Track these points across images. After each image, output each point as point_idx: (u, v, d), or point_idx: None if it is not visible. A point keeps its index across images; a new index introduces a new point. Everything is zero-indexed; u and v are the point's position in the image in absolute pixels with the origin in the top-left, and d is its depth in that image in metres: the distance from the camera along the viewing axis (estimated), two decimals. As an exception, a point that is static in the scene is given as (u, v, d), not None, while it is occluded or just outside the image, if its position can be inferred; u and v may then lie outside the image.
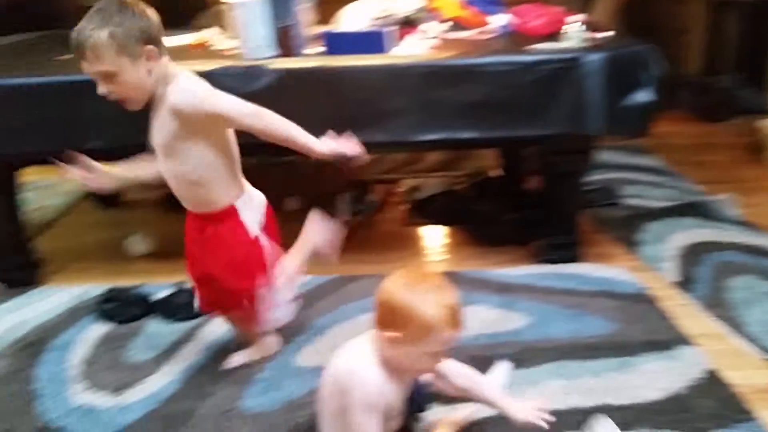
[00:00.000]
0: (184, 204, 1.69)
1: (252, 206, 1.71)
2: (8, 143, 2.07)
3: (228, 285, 1.69)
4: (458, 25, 2.53)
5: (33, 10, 4.81)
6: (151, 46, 1.47)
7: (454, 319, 1.27)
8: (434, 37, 2.42)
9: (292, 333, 1.99)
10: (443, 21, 2.53)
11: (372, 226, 2.80)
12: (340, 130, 2.05)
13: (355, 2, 2.50)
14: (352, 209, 2.85)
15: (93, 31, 1.41)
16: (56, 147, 2.04)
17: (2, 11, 4.77)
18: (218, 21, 2.78)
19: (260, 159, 3.19)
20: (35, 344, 2.00)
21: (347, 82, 2.04)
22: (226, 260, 1.67)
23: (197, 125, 1.52)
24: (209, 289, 1.76)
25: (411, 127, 2.08)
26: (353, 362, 1.35)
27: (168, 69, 1.53)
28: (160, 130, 1.55)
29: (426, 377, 1.49)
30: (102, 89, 1.48)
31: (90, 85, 1.98)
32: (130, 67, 1.45)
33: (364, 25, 2.35)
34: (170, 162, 1.58)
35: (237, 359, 1.87)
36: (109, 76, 1.45)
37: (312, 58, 2.16)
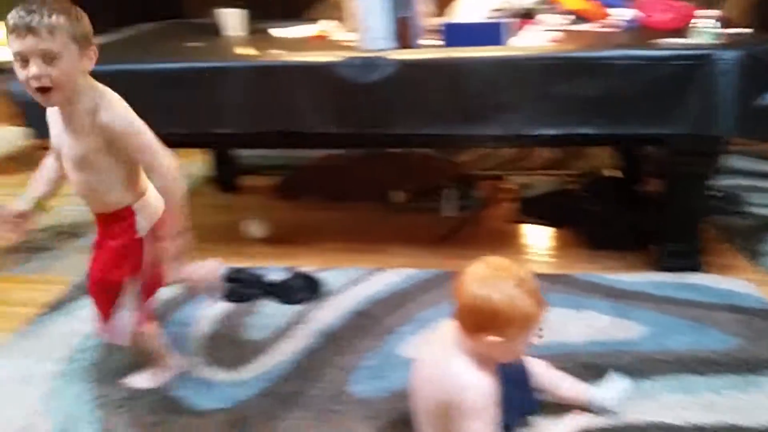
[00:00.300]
0: (88, 206, 1.65)
1: (146, 213, 1.64)
2: (146, 122, 2.20)
3: (101, 274, 1.67)
4: (579, 17, 2.46)
5: (155, 1, 5.11)
6: (94, 47, 1.48)
7: (541, 300, 1.30)
8: (554, 30, 2.36)
9: (396, 324, 2.03)
10: (564, 13, 2.47)
11: (477, 223, 2.78)
12: (454, 122, 2.07)
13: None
14: (458, 204, 2.84)
15: (54, 12, 1.38)
16: (188, 130, 2.19)
17: (127, 2, 5.10)
18: (333, 13, 2.86)
19: (368, 150, 3.27)
20: (161, 316, 2.13)
21: (464, 73, 2.03)
22: (108, 251, 1.65)
23: (119, 147, 1.52)
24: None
25: (527, 121, 2.04)
26: (454, 366, 1.34)
27: (92, 80, 1.53)
28: (79, 142, 1.51)
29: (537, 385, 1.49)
30: (34, 69, 1.37)
31: (222, 71, 2.11)
32: (75, 55, 1.42)
33: (482, 17, 2.33)
34: (81, 173, 1.55)
35: (137, 380, 1.84)
36: (51, 58, 1.38)
37: (430, 49, 2.17)
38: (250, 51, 2.25)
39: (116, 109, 1.51)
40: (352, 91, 2.05)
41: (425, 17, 2.36)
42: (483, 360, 1.34)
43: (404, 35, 2.16)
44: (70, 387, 1.81)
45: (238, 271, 2.31)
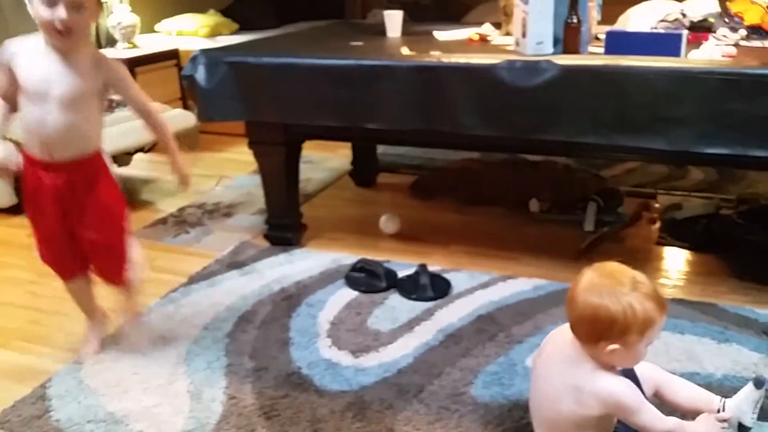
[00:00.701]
0: (57, 153, 1.69)
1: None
2: (304, 114, 2.32)
3: (111, 231, 1.81)
4: (761, 32, 2.26)
5: (326, 1, 5.37)
6: (100, 4, 1.72)
7: (662, 301, 1.26)
8: (732, 44, 2.19)
9: (524, 333, 1.97)
10: (742, 27, 2.28)
11: (619, 240, 2.64)
12: (617, 133, 1.97)
13: (643, 3, 2.37)
14: (600, 219, 2.72)
15: None
16: (342, 122, 2.27)
17: (300, 1, 5.40)
18: (491, 17, 2.84)
19: (508, 156, 3.22)
20: (293, 297, 2.23)
21: (633, 83, 1.92)
22: (108, 194, 1.80)
23: (103, 84, 1.71)
24: (99, 247, 1.82)
25: (695, 138, 1.89)
26: (589, 375, 1.30)
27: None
28: (77, 83, 1.65)
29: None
30: (62, 14, 1.55)
31: (380, 69, 2.16)
32: (94, 9, 1.66)
33: (649, 27, 2.21)
34: (69, 113, 1.66)
35: (91, 347, 1.95)
36: (77, 7, 1.57)
37: (598, 56, 2.09)
38: (411, 51, 2.29)
39: (115, 59, 1.76)
40: (512, 95, 2.02)
41: (593, 24, 2.29)
42: (605, 367, 1.31)
43: (570, 41, 2.10)
44: (205, 353, 1.93)
45: (370, 263, 2.35)
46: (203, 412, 1.68)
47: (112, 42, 4.25)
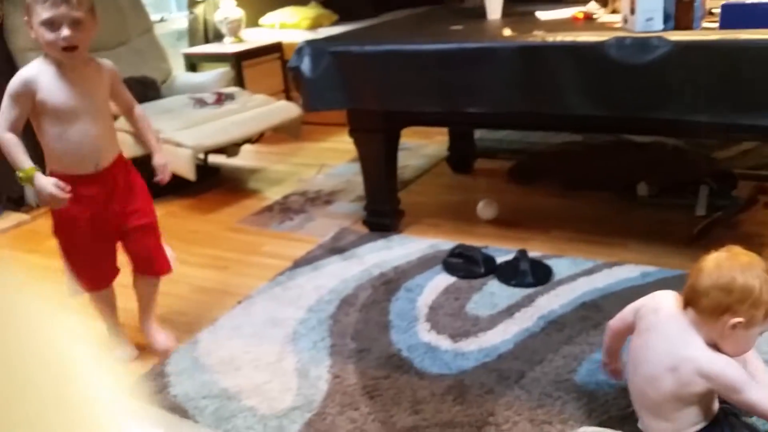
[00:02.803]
0: (102, 161, 1.78)
1: None
2: (406, 101, 2.34)
3: (153, 214, 1.94)
4: None
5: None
6: (97, 18, 1.74)
7: None
8: None
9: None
10: None
11: (732, 226, 2.48)
12: (733, 111, 1.87)
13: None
14: (713, 203, 2.57)
15: None
16: (444, 107, 2.28)
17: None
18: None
19: (616, 137, 3.10)
20: (392, 282, 2.28)
21: (752, 58, 1.80)
22: (141, 191, 1.91)
23: (114, 92, 1.84)
24: (145, 238, 1.92)
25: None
26: (699, 352, 1.28)
27: None
28: (96, 95, 1.76)
29: None
30: (66, 32, 1.63)
31: (482, 52, 2.15)
32: (92, 23, 1.71)
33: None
34: (99, 123, 1.76)
35: (128, 350, 2.00)
36: (78, 24, 1.64)
37: (713, 31, 1.98)
38: (514, 32, 2.26)
39: (110, 62, 1.84)
40: (622, 73, 1.95)
41: None
42: (713, 346, 1.29)
43: (683, 17, 2.00)
44: (310, 333, 2.01)
45: (468, 248, 2.35)
46: (310, 390, 1.76)
47: (219, 37, 4.46)
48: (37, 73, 1.70)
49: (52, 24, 1.62)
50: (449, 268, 2.31)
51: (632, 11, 2.07)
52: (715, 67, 1.85)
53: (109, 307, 1.99)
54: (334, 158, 3.72)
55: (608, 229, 2.53)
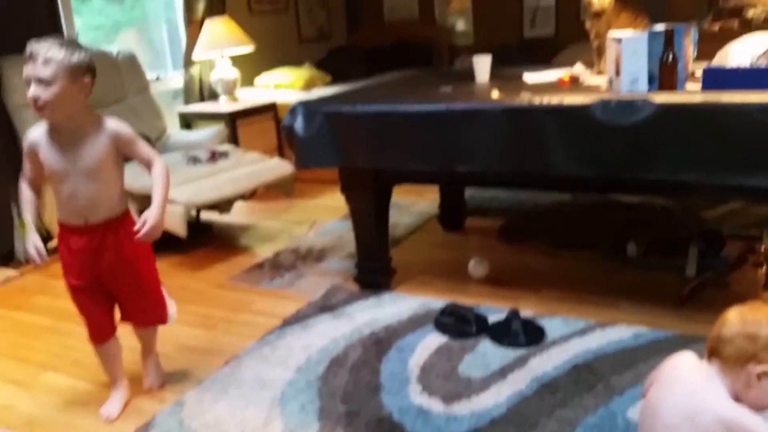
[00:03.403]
0: (91, 217, 1.81)
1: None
2: (397, 160, 2.38)
3: (149, 277, 1.97)
4: None
5: (414, 50, 5.53)
6: (88, 80, 1.73)
7: None
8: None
9: (625, 384, 1.88)
10: None
11: (723, 286, 2.48)
12: (718, 171, 1.90)
13: (742, 38, 2.29)
14: (702, 264, 2.58)
15: (53, 46, 1.66)
16: (433, 167, 2.32)
17: (390, 51, 5.59)
18: (580, 58, 2.82)
19: (605, 197, 3.14)
20: (383, 341, 2.25)
21: (734, 119, 1.85)
22: (146, 253, 1.94)
23: (125, 151, 1.82)
24: (132, 295, 1.95)
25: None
26: (722, 403, 1.26)
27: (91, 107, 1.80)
28: (92, 154, 1.76)
29: None
30: (31, 91, 1.66)
31: (471, 113, 2.20)
32: (67, 85, 1.67)
33: (749, 62, 2.13)
34: (94, 183, 1.78)
35: (113, 407, 1.98)
36: (44, 84, 1.65)
37: (696, 93, 2.03)
38: (502, 94, 2.31)
39: (117, 122, 1.82)
40: (608, 134, 1.99)
41: (689, 62, 2.23)
42: (734, 398, 1.26)
43: (667, 79, 2.06)
44: (299, 395, 1.97)
45: (459, 307, 2.34)
46: (297, 455, 1.71)
47: (214, 96, 4.54)
48: (41, 133, 1.78)
49: (27, 83, 1.67)
50: (441, 328, 2.29)
51: (617, 73, 2.13)
52: (699, 128, 1.90)
53: (109, 359, 2.01)
54: (326, 215, 3.73)
55: (599, 289, 2.52)
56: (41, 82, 1.65)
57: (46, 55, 1.64)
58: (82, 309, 1.93)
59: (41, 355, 2.39)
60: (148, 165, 1.89)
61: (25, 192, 1.83)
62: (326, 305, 2.56)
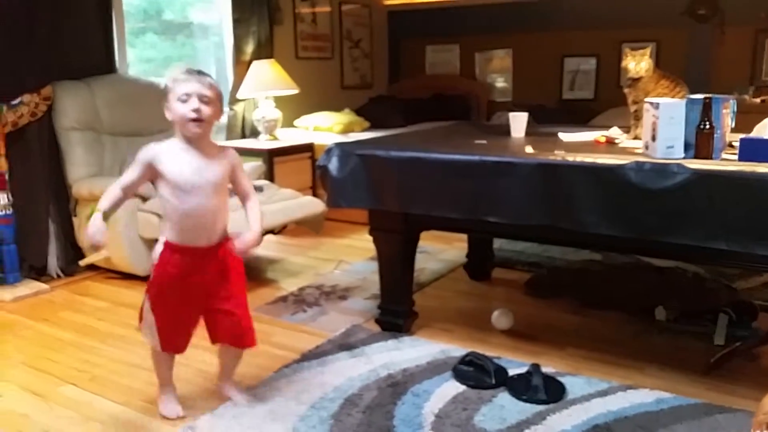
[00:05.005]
0: (204, 239, 1.92)
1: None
2: (427, 206, 2.40)
3: (245, 299, 2.02)
4: None
5: (452, 103, 5.63)
6: (222, 108, 1.95)
7: None
8: None
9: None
10: None
11: (752, 357, 2.41)
12: (751, 241, 1.88)
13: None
14: (732, 333, 2.51)
15: (209, 75, 1.91)
16: (463, 215, 2.33)
17: (428, 103, 5.70)
18: (617, 122, 2.84)
19: (636, 260, 3.10)
20: (399, 385, 2.22)
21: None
22: (242, 276, 2.02)
23: (231, 170, 1.97)
24: (230, 318, 1.99)
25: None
26: None
27: None
28: (217, 170, 1.91)
29: None
30: (195, 104, 1.83)
31: (503, 165, 2.22)
32: (217, 108, 1.89)
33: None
34: (215, 198, 1.91)
35: (176, 406, 2.08)
36: (205, 101, 1.84)
37: (731, 162, 2.03)
38: (536, 149, 2.34)
39: (231, 148, 2.02)
40: (640, 196, 1.99)
41: (727, 131, 2.24)
42: None
43: (703, 146, 2.07)
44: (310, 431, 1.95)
45: (480, 357, 2.31)
46: (303, 490, 1.68)
47: (255, 133, 4.66)
48: (164, 148, 1.89)
49: (186, 98, 1.83)
50: (459, 376, 2.26)
51: (653, 138, 2.14)
52: (733, 197, 1.88)
53: (168, 363, 2.09)
54: (352, 255, 3.75)
55: (624, 351, 2.47)
56: (203, 99, 1.84)
57: (208, 80, 1.87)
58: (171, 320, 1.97)
59: (62, 368, 2.42)
60: (245, 196, 2.02)
61: (115, 190, 1.90)
62: (345, 343, 2.55)
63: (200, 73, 1.88)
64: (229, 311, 1.99)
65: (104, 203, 1.88)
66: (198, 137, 1.87)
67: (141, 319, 2.02)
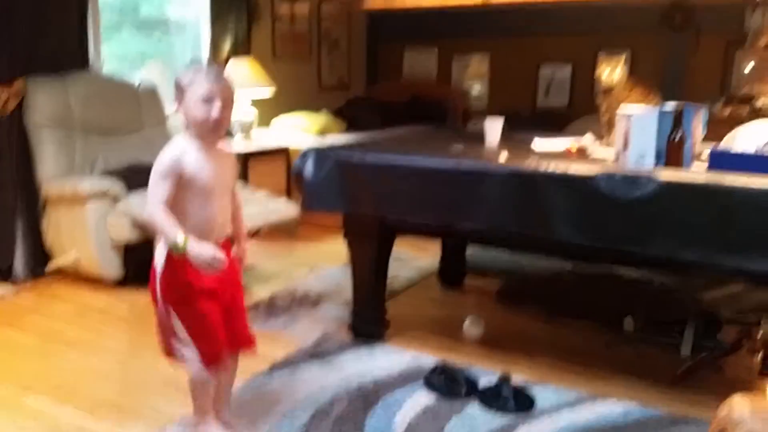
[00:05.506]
0: (217, 234, 1.83)
1: None
2: (402, 210, 2.41)
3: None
4: None
5: (429, 107, 5.64)
6: None
7: None
8: None
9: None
10: None
11: (718, 369, 2.46)
12: (718, 252, 1.91)
13: (750, 123, 2.34)
14: (697, 345, 2.56)
15: (223, 71, 1.84)
16: (438, 220, 2.34)
17: (405, 106, 5.70)
18: (590, 128, 2.87)
19: (605, 270, 3.14)
20: (371, 395, 2.22)
21: (738, 202, 1.87)
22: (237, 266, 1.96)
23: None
24: (243, 315, 1.96)
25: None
26: None
27: None
28: (228, 170, 1.88)
29: None
30: (218, 105, 1.73)
31: (478, 172, 2.22)
32: (233, 107, 1.81)
33: (755, 149, 2.16)
34: (225, 198, 1.87)
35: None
36: (229, 104, 1.77)
37: (701, 173, 2.06)
38: (509, 157, 2.35)
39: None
40: (610, 206, 2.02)
41: (697, 142, 2.27)
42: None
43: (673, 156, 2.10)
44: (281, 441, 1.94)
45: (451, 367, 2.32)
46: (271, 504, 1.67)
47: (229, 133, 4.62)
48: (182, 151, 1.75)
49: (207, 100, 1.72)
50: (430, 386, 2.27)
51: (625, 147, 2.16)
52: (701, 208, 1.92)
53: (210, 393, 1.92)
54: (326, 260, 3.74)
55: (593, 361, 2.50)
56: (224, 101, 1.74)
57: (227, 79, 1.78)
58: (211, 328, 1.82)
59: (26, 376, 2.37)
60: (235, 197, 1.96)
61: (164, 213, 1.70)
62: (317, 352, 2.54)
63: (219, 71, 1.78)
64: (241, 310, 1.95)
65: (174, 230, 1.68)
66: (221, 137, 1.82)
67: (169, 344, 1.85)
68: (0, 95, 3.19)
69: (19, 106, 3.30)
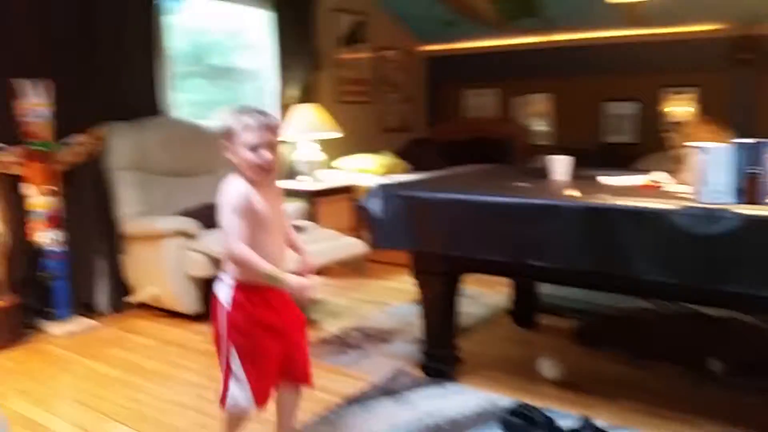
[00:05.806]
0: (279, 267, 1.83)
1: None
2: (469, 248, 2.39)
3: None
4: None
5: (491, 146, 5.64)
6: None
7: None
8: None
9: None
10: None
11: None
12: None
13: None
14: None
15: (269, 114, 1.84)
16: (506, 258, 2.30)
17: (467, 145, 5.73)
18: (662, 165, 2.81)
19: (690, 309, 3.01)
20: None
21: None
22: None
23: None
24: (303, 354, 1.98)
25: None
26: None
27: None
28: (280, 208, 1.91)
29: None
30: (268, 155, 1.79)
31: (548, 208, 2.20)
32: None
33: None
34: (282, 231, 1.91)
35: None
36: (275, 148, 1.81)
37: None
38: (579, 193, 2.32)
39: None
40: (688, 242, 1.96)
41: None
42: None
43: (751, 191, 2.03)
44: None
45: (530, 408, 2.25)
46: None
47: (293, 174, 4.72)
48: (246, 188, 1.79)
49: (256, 147, 1.77)
50: (508, 427, 2.20)
51: (701, 182, 2.10)
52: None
53: (241, 423, 1.95)
54: (395, 298, 3.73)
55: (678, 405, 2.38)
56: (271, 147, 1.80)
57: (275, 123, 1.84)
58: (262, 367, 1.85)
59: (110, 405, 2.44)
60: (290, 230, 2.01)
61: (249, 250, 1.75)
62: (389, 389, 2.52)
63: (266, 115, 1.81)
64: (302, 346, 1.97)
65: (265, 266, 1.75)
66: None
67: (225, 388, 1.85)
68: (84, 142, 3.37)
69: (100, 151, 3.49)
